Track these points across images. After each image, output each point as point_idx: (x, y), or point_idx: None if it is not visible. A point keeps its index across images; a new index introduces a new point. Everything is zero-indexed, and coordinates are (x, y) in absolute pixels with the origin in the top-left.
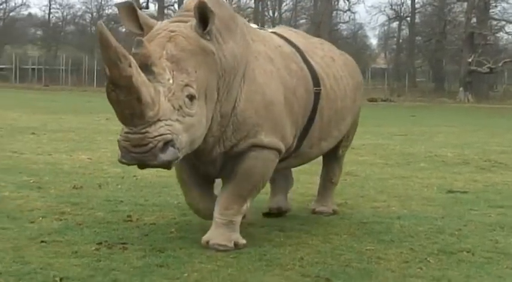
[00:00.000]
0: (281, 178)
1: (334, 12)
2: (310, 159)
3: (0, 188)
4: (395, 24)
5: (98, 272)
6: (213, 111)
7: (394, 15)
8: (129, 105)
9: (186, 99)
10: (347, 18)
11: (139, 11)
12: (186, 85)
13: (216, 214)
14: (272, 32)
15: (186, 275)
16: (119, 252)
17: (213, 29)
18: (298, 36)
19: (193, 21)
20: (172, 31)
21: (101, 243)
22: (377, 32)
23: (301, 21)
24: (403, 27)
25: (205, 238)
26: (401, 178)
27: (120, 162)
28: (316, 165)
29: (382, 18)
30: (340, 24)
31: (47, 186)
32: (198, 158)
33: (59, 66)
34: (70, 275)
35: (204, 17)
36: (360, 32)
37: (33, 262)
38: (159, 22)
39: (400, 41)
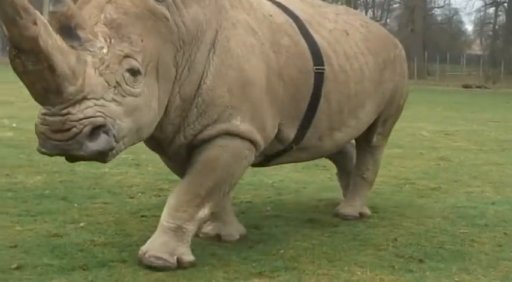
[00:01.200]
0: (347, 174)
1: None
2: (323, 153)
3: (100, 164)
4: (491, 10)
5: (196, 246)
6: (170, 93)
7: (490, 1)
8: (39, 77)
9: (127, 75)
10: (442, 3)
11: None
12: (127, 56)
13: (163, 215)
14: None
15: (282, 251)
16: None
17: None
18: (302, 4)
19: None
20: None
21: None
22: (473, 18)
23: (395, 5)
24: (500, 13)
25: (143, 248)
26: (496, 164)
27: (40, 152)
28: (410, 150)
29: (478, 4)
30: (435, 9)
31: (145, 164)
32: (162, 152)
33: None
34: None
35: None
36: (455, 17)
37: (134, 235)
38: None
39: (496, 27)
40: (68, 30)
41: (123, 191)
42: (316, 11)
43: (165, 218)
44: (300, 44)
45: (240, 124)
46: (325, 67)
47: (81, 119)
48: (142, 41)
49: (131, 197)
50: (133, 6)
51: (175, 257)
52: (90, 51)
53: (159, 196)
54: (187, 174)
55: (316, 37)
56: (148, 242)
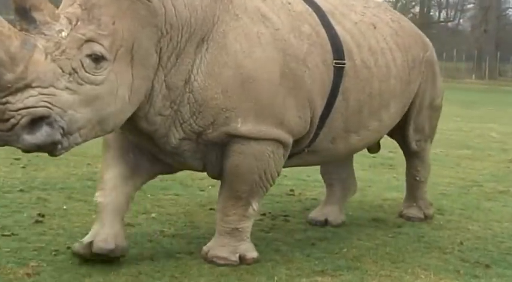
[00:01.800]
0: (338, 183)
1: None
2: (335, 158)
3: None
4: None
5: (261, 242)
6: (155, 80)
7: None
8: None
9: (87, 60)
10: None
11: None
12: (89, 40)
13: (217, 220)
14: None
15: (345, 250)
16: (281, 223)
17: None
18: None
19: None
20: None
21: (264, 214)
22: None
23: (469, 6)
24: None
25: (205, 248)
26: None
27: None
28: (479, 151)
29: None
30: (510, 9)
31: None
32: (157, 146)
33: None
34: None
35: None
36: None
37: (202, 227)
38: None
39: None
40: (23, 12)
41: (195, 183)
42: (343, 2)
43: (219, 223)
44: (320, 35)
45: (241, 126)
46: (345, 61)
47: (19, 109)
48: (113, 23)
49: (202, 190)
50: None
51: (237, 255)
52: (45, 34)
53: None
54: (222, 181)
55: (338, 29)
56: (210, 243)
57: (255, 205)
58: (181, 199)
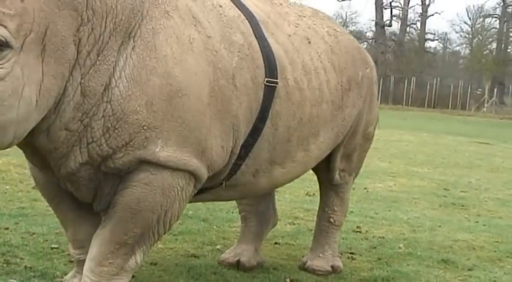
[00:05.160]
0: (254, 216)
1: None
2: (254, 193)
3: None
4: None
5: (326, 279)
6: (66, 80)
7: None
8: None
9: None
10: None
11: None
12: None
13: (85, 271)
14: None
15: None
16: (347, 261)
17: None
18: (260, 0)
19: None
20: None
21: None
22: None
23: None
24: None
25: None
26: None
27: None
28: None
29: None
30: None
31: (283, 190)
32: (50, 168)
33: None
34: (299, 278)
35: None
36: None
37: (266, 261)
38: None
39: None
40: None
41: None
42: (275, 9)
43: (88, 274)
44: (253, 47)
45: (160, 150)
46: (278, 80)
47: None
48: (22, 0)
49: None
50: None
51: None
52: None
53: (294, 224)
54: (106, 219)
55: (271, 42)
56: None
57: (139, 256)
58: None
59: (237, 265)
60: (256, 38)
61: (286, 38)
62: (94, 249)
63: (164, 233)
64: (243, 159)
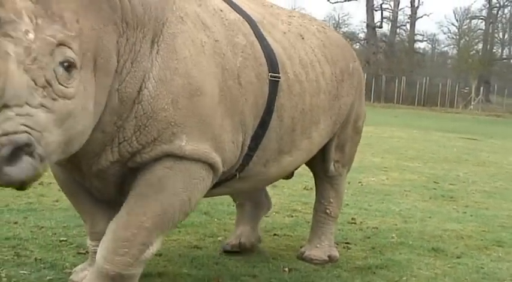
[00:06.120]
0: (249, 203)
1: None
2: (266, 182)
3: None
4: None
5: (323, 268)
6: (108, 89)
7: None
8: None
9: (60, 70)
10: None
11: None
12: (61, 44)
13: (98, 259)
14: None
15: (404, 278)
16: (342, 251)
17: None
18: (251, 2)
19: None
20: None
21: None
22: None
23: None
24: None
25: None
26: None
27: None
28: None
29: None
30: None
31: (281, 185)
32: (81, 167)
33: None
34: (297, 267)
35: None
36: None
37: (266, 252)
38: None
39: None
40: None
41: None
42: (267, 11)
43: (101, 262)
44: (254, 46)
45: (186, 144)
46: (280, 75)
47: None
48: (78, 21)
49: (266, 216)
50: None
51: None
52: (12, 37)
53: (292, 217)
54: (125, 203)
55: (270, 40)
56: None
57: (156, 245)
58: None
59: (239, 246)
60: (256, 38)
61: (282, 35)
62: (109, 235)
63: (179, 222)
64: (254, 151)
